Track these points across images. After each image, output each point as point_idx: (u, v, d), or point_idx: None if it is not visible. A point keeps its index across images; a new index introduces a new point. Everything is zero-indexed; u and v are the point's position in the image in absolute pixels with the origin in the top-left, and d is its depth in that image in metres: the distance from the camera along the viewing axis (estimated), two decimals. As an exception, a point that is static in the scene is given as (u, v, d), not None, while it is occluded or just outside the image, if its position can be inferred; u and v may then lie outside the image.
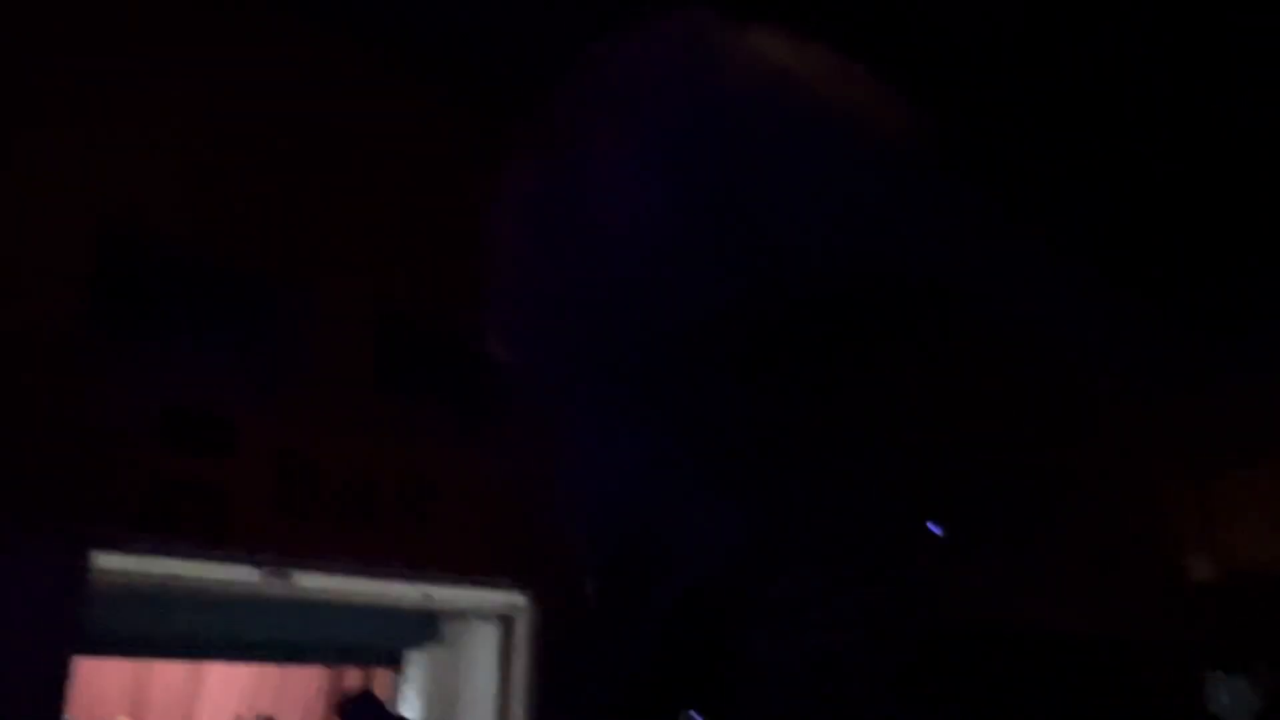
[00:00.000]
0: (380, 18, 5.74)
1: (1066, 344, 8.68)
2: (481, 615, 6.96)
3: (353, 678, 8.61)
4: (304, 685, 8.85)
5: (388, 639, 7.33)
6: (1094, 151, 7.09)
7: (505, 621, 6.88)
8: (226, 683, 9.07)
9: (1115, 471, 8.85)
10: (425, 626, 7.28)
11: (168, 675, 9.01)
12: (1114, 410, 9.01)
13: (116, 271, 4.69)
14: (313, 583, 6.33)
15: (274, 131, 5.31)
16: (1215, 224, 7.59)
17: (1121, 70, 6.14)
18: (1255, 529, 8.38)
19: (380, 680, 8.17)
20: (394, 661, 7.54)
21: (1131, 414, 9.00)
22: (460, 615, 7.20)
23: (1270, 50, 5.93)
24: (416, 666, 7.44)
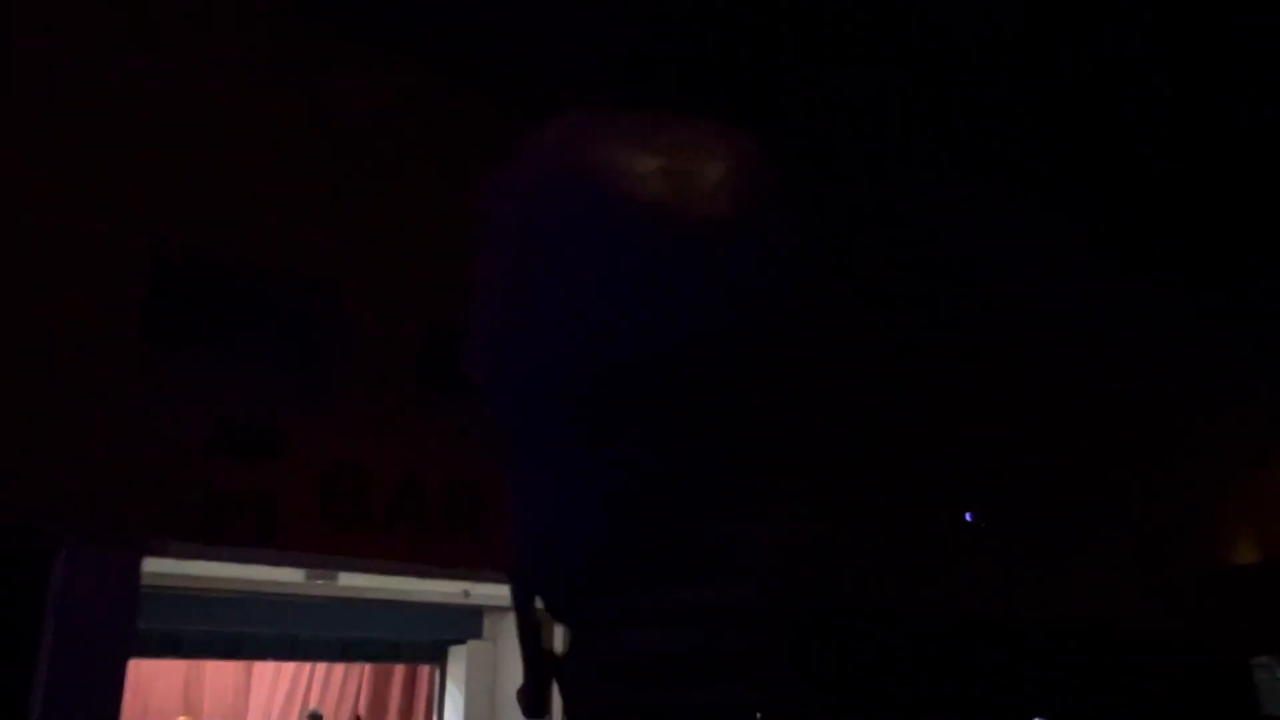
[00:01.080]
0: (429, 36, 5.78)
1: (1105, 339, 8.61)
2: (522, 608, 6.99)
3: (397, 679, 8.79)
4: (350, 681, 9.03)
5: (430, 635, 7.41)
6: (1137, 150, 6.91)
7: (545, 614, 6.95)
8: (275, 680, 9.23)
9: (1162, 463, 8.77)
10: (467, 622, 7.37)
11: (219, 674, 9.16)
12: (1160, 403, 8.93)
13: (169, 288, 4.72)
14: (357, 582, 6.42)
15: (318, 148, 5.35)
16: (1259, 218, 7.41)
17: (1162, 70, 6.03)
18: None
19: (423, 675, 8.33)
20: (437, 657, 7.63)
21: (1177, 406, 8.92)
22: (500, 610, 7.28)
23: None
24: (458, 661, 7.55)
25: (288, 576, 6.05)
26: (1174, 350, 8.66)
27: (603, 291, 1.01)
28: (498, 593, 6.79)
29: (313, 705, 8.95)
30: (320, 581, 6.24)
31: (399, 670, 9.03)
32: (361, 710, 8.96)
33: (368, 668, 9.00)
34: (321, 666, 9.02)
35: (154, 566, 4.94)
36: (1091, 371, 8.63)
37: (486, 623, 7.42)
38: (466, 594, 6.82)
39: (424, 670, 8.34)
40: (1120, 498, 8.49)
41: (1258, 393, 8.68)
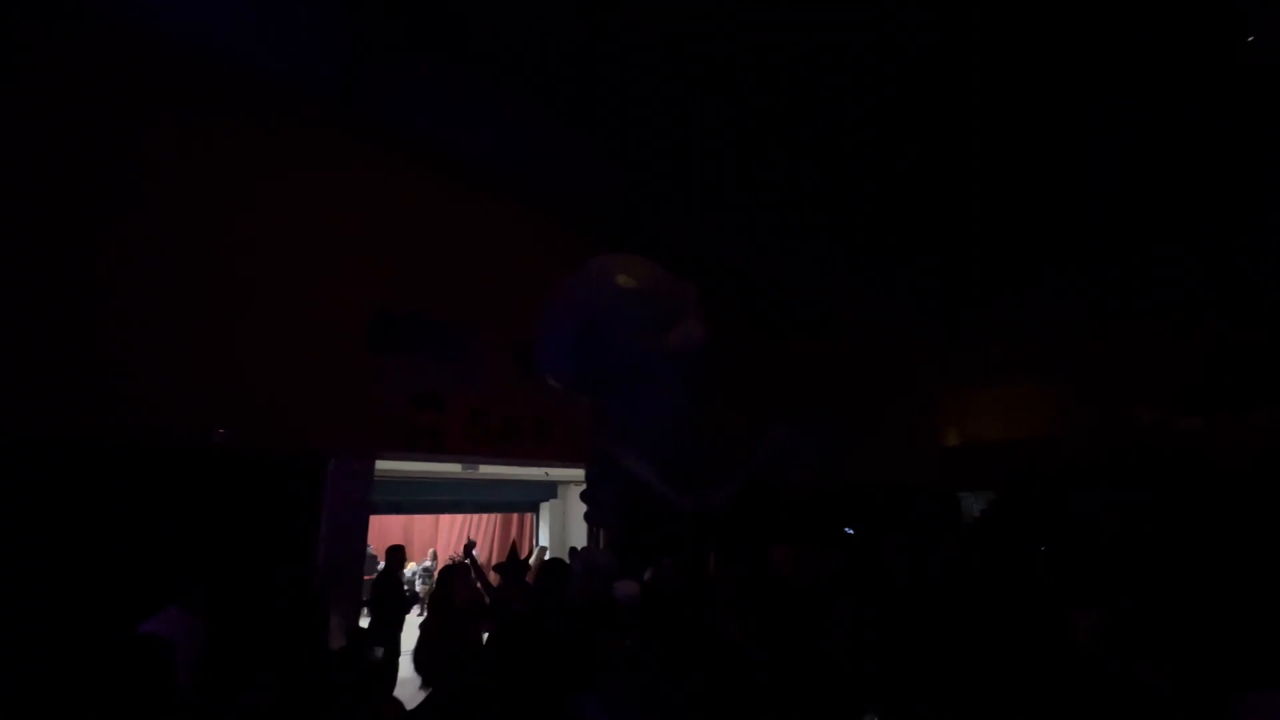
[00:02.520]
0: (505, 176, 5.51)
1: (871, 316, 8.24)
2: (576, 482, 6.97)
3: (514, 520, 8.79)
4: (487, 524, 9.06)
5: (529, 497, 7.45)
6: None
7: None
8: (451, 525, 9.29)
9: (917, 395, 8.48)
10: (548, 490, 7.42)
11: (422, 523, 9.22)
12: (905, 351, 8.49)
13: (385, 321, 4.72)
14: (489, 470, 6.49)
15: (458, 242, 5.22)
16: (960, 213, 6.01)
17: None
18: (991, 419, 8.02)
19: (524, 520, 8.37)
20: (534, 509, 7.69)
21: (919, 352, 8.45)
22: (566, 483, 7.33)
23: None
24: (544, 511, 7.61)
25: (452, 469, 6.14)
26: (916, 314, 8.17)
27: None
28: (565, 474, 6.84)
29: (470, 537, 9.00)
30: (469, 471, 6.27)
31: (514, 516, 9.01)
32: (495, 538, 8.96)
33: (497, 516, 8.99)
34: (473, 517, 9.04)
35: (382, 466, 4.99)
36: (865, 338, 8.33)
37: (559, 490, 7.47)
38: (546, 474, 6.85)
39: (528, 516, 8.36)
40: (887, 414, 8.14)
41: (981, 343, 8.20)
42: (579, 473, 6.65)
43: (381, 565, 5.22)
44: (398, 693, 2.36)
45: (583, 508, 7.02)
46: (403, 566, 4.91)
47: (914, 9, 3.81)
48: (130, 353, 3.67)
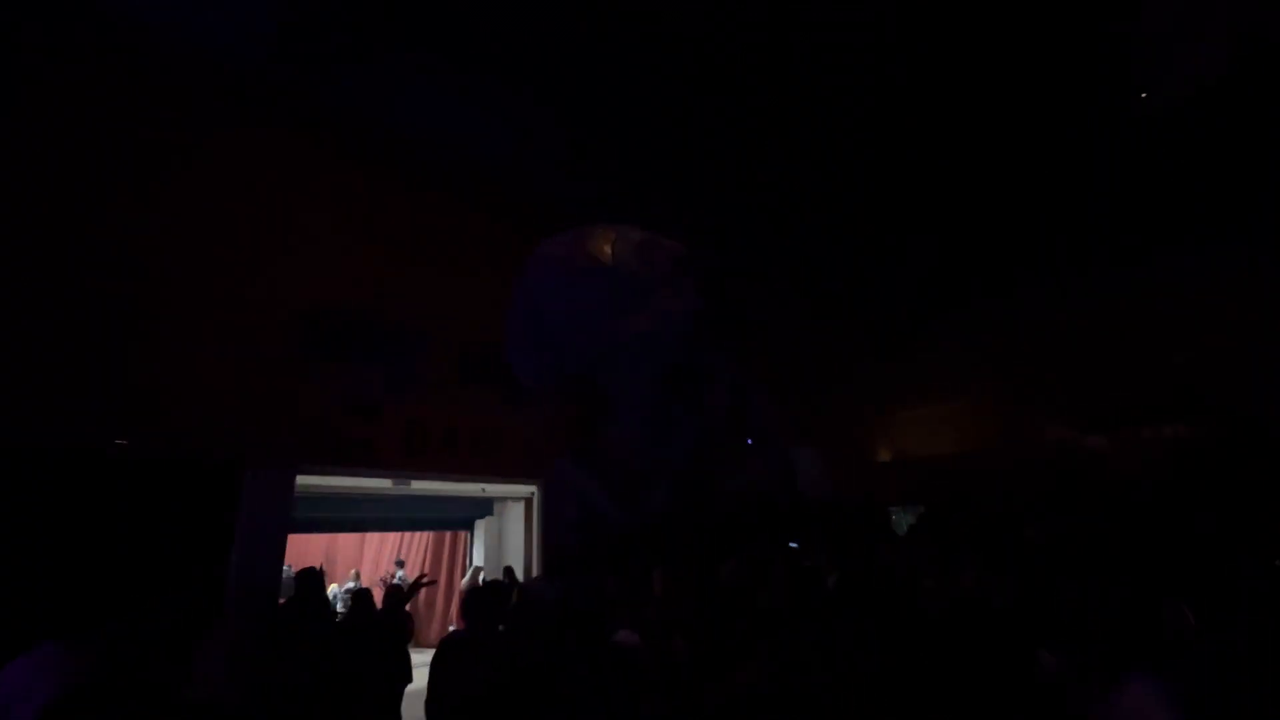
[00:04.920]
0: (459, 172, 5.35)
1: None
2: (514, 498, 6.90)
3: (446, 539, 8.50)
4: (420, 542, 8.72)
5: (464, 514, 7.22)
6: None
7: (527, 501, 6.83)
8: (379, 544, 8.87)
9: (851, 411, 8.82)
10: (484, 506, 7.22)
11: (346, 542, 8.77)
12: (844, 370, 8.79)
13: (318, 325, 4.53)
14: (421, 486, 6.23)
15: (398, 241, 5.11)
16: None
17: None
18: (918, 436, 8.33)
19: (458, 539, 8.11)
20: (468, 527, 7.46)
21: (855, 373, 8.73)
22: (502, 499, 7.17)
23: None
24: (479, 529, 7.38)
25: (382, 484, 5.85)
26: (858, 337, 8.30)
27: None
28: (501, 491, 6.65)
29: (399, 556, 8.61)
30: (400, 486, 6.03)
31: (447, 535, 8.75)
32: (427, 557, 8.61)
33: (430, 534, 8.70)
34: (404, 535, 8.69)
35: (304, 480, 4.73)
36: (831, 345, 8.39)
37: (495, 507, 7.29)
38: (484, 490, 6.66)
39: (461, 534, 8.11)
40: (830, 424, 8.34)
41: (907, 369, 8.13)
42: (517, 489, 6.49)
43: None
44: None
45: (520, 525, 6.79)
46: (319, 593, 4.50)
47: (888, 11, 3.83)
48: (21, 349, 3.29)
